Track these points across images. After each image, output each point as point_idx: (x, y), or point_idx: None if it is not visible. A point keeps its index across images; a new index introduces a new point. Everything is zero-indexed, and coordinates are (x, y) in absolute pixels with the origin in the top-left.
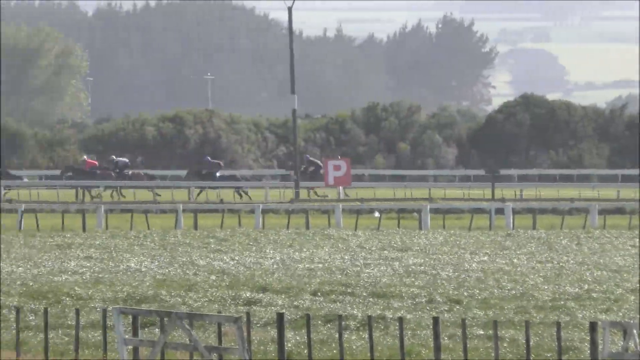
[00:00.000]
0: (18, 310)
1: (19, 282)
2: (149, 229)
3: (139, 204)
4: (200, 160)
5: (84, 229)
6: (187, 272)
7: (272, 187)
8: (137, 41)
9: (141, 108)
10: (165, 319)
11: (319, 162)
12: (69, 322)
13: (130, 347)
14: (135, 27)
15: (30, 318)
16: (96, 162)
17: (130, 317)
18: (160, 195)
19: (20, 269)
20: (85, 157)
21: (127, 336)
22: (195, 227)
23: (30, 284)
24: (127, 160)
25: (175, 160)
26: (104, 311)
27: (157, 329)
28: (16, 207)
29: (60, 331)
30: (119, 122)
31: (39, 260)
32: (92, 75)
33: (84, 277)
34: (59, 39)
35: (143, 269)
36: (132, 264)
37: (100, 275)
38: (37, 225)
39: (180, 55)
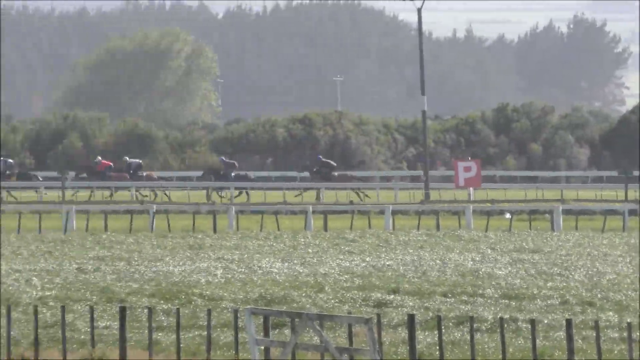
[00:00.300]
0: (150, 310)
1: (152, 283)
2: (279, 230)
3: (269, 205)
4: (314, 160)
5: (214, 230)
6: (318, 273)
7: (402, 188)
8: (266, 43)
9: (271, 110)
10: (296, 319)
11: (332, 163)
12: (201, 323)
13: (261, 347)
14: (265, 28)
15: (162, 318)
16: (110, 163)
17: (261, 317)
18: (167, 196)
19: (152, 269)
20: (99, 157)
21: (258, 337)
22: (325, 229)
23: (163, 284)
24: (140, 161)
25: (305, 161)
26: (236, 312)
27: (287, 330)
28: (148, 208)
29: (192, 331)
30: (249, 123)
31: (171, 261)
32: (222, 77)
33: (215, 278)
34: (189, 41)
35: (274, 270)
36: (263, 265)
37: (231, 276)
38: (169, 227)
39: (310, 56)
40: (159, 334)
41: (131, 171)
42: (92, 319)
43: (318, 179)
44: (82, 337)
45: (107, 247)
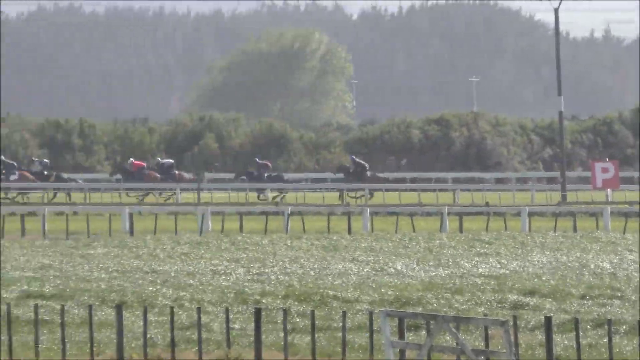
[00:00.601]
0: (285, 312)
1: (287, 285)
2: (414, 231)
3: (403, 206)
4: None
5: (349, 232)
6: (453, 275)
7: (538, 189)
8: (401, 43)
9: (405, 110)
10: (432, 322)
11: (364, 163)
12: (336, 325)
13: (396, 349)
14: (399, 29)
15: (297, 320)
16: (143, 164)
17: (396, 319)
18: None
19: (287, 271)
20: (131, 159)
21: (393, 339)
22: (461, 230)
23: (297, 286)
24: (172, 161)
25: (440, 162)
26: (371, 314)
27: (423, 332)
28: (283, 209)
29: (326, 333)
30: (384, 124)
31: (305, 263)
32: (355, 77)
33: (350, 280)
34: (324, 41)
35: (409, 272)
36: (398, 267)
37: (366, 278)
38: (303, 228)
39: (445, 57)
40: (294, 336)
41: (163, 171)
42: (227, 321)
43: (353, 180)
44: (218, 338)
45: (242, 249)
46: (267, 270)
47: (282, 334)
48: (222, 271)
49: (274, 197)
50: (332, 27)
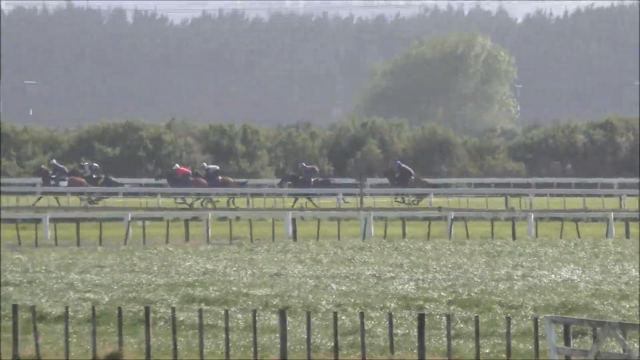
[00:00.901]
0: (449, 317)
1: (450, 290)
2: (579, 237)
3: (568, 212)
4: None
5: (513, 237)
6: (620, 281)
7: None
8: (566, 47)
9: (570, 114)
10: (598, 328)
11: (410, 169)
12: (500, 331)
13: (562, 355)
14: (564, 32)
15: (461, 326)
16: (189, 170)
17: (562, 326)
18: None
19: (451, 276)
20: (177, 165)
21: (559, 345)
22: (627, 236)
23: (461, 291)
24: (217, 167)
25: (605, 167)
26: (536, 320)
27: (589, 338)
28: (446, 215)
29: (491, 339)
30: (548, 129)
31: (469, 268)
32: (520, 81)
33: (514, 285)
34: (487, 45)
35: (574, 278)
36: (563, 273)
37: (530, 284)
38: (467, 233)
39: (611, 60)
40: (457, 342)
41: (208, 177)
42: (390, 326)
43: (398, 185)
44: (381, 343)
45: (405, 254)
46: (430, 276)
47: (445, 340)
48: (385, 276)
49: (293, 205)
50: (495, 31)
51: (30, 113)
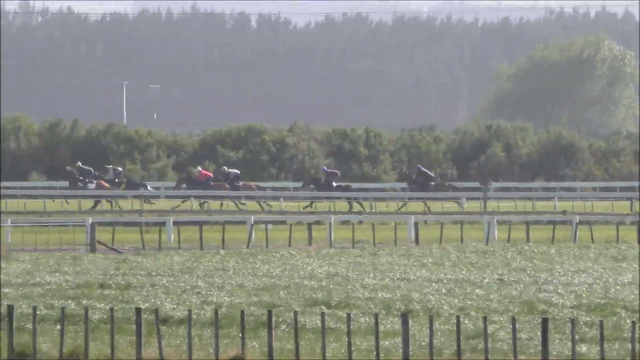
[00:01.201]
0: (573, 322)
1: (574, 295)
2: None
3: None
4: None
5: (639, 241)
6: None
7: None
8: None
9: None
10: None
11: (430, 173)
12: (625, 335)
13: None
14: None
15: (585, 330)
16: (210, 174)
17: None
18: (271, 207)
19: (575, 281)
20: (199, 167)
21: None
22: None
23: (584, 295)
24: (238, 171)
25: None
26: None
27: None
28: (570, 218)
29: (615, 344)
30: None
31: (593, 272)
32: None
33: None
34: (613, 48)
35: None
36: None
37: None
38: (592, 237)
39: None
40: (582, 346)
41: (229, 181)
42: (514, 330)
43: (416, 189)
44: (504, 347)
45: (528, 258)
46: (554, 280)
47: (569, 344)
48: (509, 280)
49: (304, 207)
50: (622, 34)
51: (155, 117)
